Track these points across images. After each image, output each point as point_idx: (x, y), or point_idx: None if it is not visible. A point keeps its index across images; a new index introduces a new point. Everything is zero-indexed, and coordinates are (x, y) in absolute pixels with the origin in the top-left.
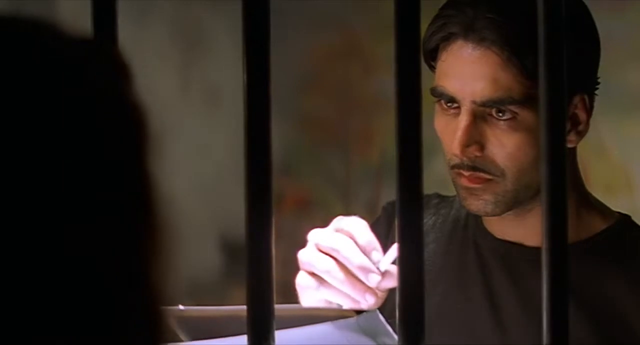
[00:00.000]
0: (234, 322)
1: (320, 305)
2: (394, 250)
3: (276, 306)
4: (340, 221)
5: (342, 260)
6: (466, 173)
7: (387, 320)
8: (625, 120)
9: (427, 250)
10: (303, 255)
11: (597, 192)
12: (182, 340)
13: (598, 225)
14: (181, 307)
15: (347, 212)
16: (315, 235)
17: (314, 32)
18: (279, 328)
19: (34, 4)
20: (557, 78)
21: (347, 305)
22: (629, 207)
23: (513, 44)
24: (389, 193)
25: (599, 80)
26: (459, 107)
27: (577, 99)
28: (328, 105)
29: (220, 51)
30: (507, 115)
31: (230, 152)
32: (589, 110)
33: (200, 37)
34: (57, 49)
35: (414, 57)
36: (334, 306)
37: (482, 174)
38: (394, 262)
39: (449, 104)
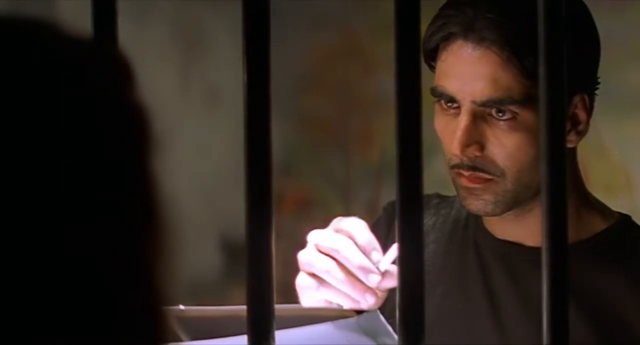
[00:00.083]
0: (235, 322)
1: (320, 305)
2: (393, 250)
3: (276, 306)
4: (339, 222)
5: (342, 261)
6: (466, 173)
7: (387, 320)
8: (625, 120)
9: (427, 251)
10: (303, 256)
11: (597, 192)
12: (182, 340)
13: (598, 225)
14: (182, 307)
15: (347, 212)
16: (314, 236)
17: (314, 32)
18: (279, 328)
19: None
20: (557, 78)
21: (347, 305)
22: (629, 207)
23: (513, 44)
24: (389, 193)
25: (599, 80)
26: (459, 107)
27: (577, 99)
28: (328, 105)
29: (220, 51)
30: (507, 115)
31: (230, 152)
32: (589, 110)
33: (200, 37)
34: (57, 49)
35: (414, 57)
36: (334, 306)
37: (482, 174)
38: (394, 262)
39: (449, 104)
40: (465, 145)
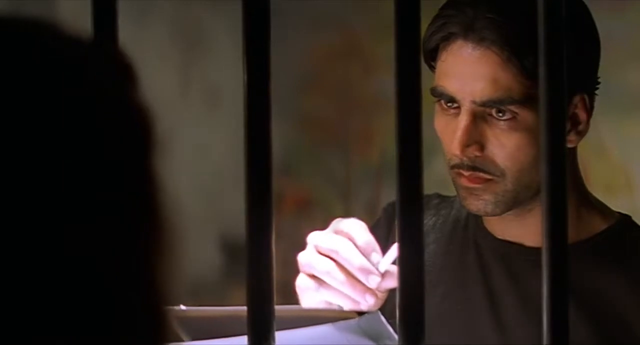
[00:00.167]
0: (235, 323)
1: (320, 306)
2: (393, 251)
3: (276, 307)
4: (338, 223)
5: (342, 262)
6: (466, 173)
7: (387, 320)
8: (625, 120)
9: (427, 251)
10: (303, 257)
11: (597, 192)
12: (183, 340)
13: (598, 225)
14: (182, 307)
15: (347, 212)
16: (314, 238)
17: (314, 32)
18: (279, 329)
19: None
20: (557, 78)
21: (347, 306)
22: (629, 207)
23: (513, 44)
24: (389, 193)
25: (599, 80)
26: (459, 107)
27: (577, 99)
28: (328, 105)
29: (220, 51)
30: (507, 115)
31: (230, 152)
32: (589, 110)
33: (200, 37)
34: (57, 49)
35: (414, 57)
36: (335, 307)
37: (482, 174)
38: (394, 262)
39: (449, 104)
40: (465, 145)
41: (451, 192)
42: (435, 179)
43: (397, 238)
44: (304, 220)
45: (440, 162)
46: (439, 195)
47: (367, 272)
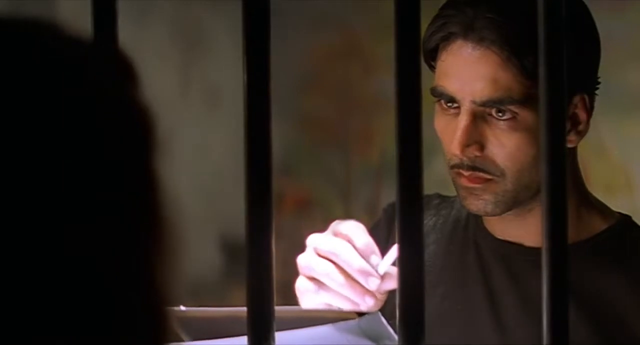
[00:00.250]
0: (235, 323)
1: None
2: (393, 252)
3: (276, 307)
4: (337, 225)
5: (341, 264)
6: (466, 173)
7: (387, 321)
8: (625, 120)
9: (427, 251)
10: (302, 260)
11: (597, 192)
12: (183, 341)
13: (598, 225)
14: (182, 307)
15: (347, 212)
16: (313, 240)
17: (314, 32)
18: (279, 329)
19: (34, 4)
20: (557, 78)
21: (346, 308)
22: (629, 207)
23: (513, 44)
24: (389, 193)
25: (599, 80)
26: (459, 107)
27: (577, 99)
28: (328, 105)
29: (220, 51)
30: (507, 115)
31: (230, 152)
32: (589, 110)
33: (200, 37)
34: (57, 49)
35: (414, 57)
36: (335, 308)
37: (481, 174)
38: (394, 263)
39: (449, 104)
40: (465, 145)
41: (451, 192)
42: (435, 179)
43: (397, 238)
44: (304, 220)
45: (440, 162)
46: (439, 196)
47: (367, 274)
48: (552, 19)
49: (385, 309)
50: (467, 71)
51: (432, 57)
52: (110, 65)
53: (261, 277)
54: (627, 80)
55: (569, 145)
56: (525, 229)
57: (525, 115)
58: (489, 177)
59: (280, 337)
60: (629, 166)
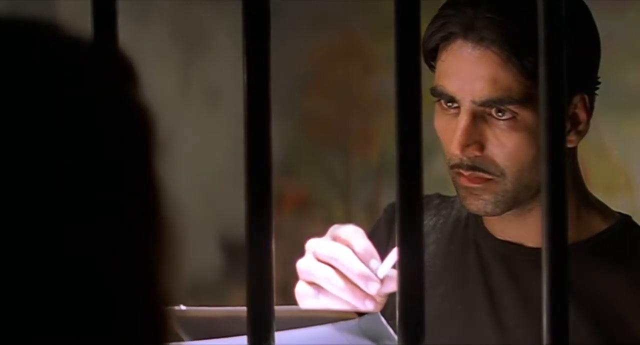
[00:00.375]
0: (235, 323)
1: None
2: (392, 256)
3: (276, 307)
4: (336, 230)
5: (341, 269)
6: (466, 173)
7: (387, 321)
8: (625, 120)
9: (427, 251)
10: (301, 265)
11: (597, 192)
12: (183, 340)
13: (598, 225)
14: (182, 307)
15: (347, 212)
16: (312, 245)
17: (314, 32)
18: (279, 329)
19: (34, 4)
20: (557, 78)
21: None
22: (629, 207)
23: (512, 44)
24: (389, 193)
25: (599, 80)
26: (458, 107)
27: (577, 99)
28: (328, 105)
29: (220, 51)
30: (507, 115)
31: (230, 152)
32: (589, 110)
33: (200, 37)
34: (57, 49)
35: (414, 57)
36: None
37: (481, 174)
38: (394, 267)
39: (448, 104)
40: (465, 145)
41: (451, 192)
42: (435, 179)
43: (397, 238)
44: (304, 220)
45: (440, 162)
46: (439, 196)
47: (367, 278)
48: (552, 19)
49: (386, 312)
50: (467, 71)
51: (432, 57)
52: (110, 66)
53: (261, 277)
54: (627, 80)
55: (569, 145)
56: (525, 229)
57: (525, 115)
58: (488, 177)
59: (280, 337)
60: (629, 166)
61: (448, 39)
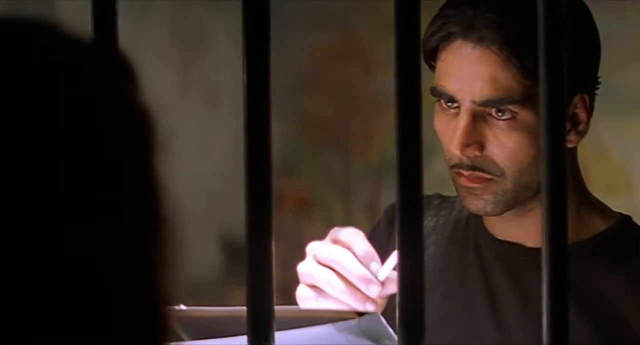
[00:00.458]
0: (235, 323)
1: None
2: (392, 259)
3: (276, 307)
4: (337, 232)
5: (342, 272)
6: (466, 172)
7: (387, 321)
8: (625, 120)
9: (428, 252)
10: (302, 268)
11: (597, 192)
12: (183, 340)
13: (598, 225)
14: (182, 307)
15: (347, 212)
16: (313, 248)
17: (314, 32)
18: (279, 329)
19: (34, 4)
20: (557, 78)
21: None
22: (629, 207)
23: (512, 44)
24: (389, 193)
25: (599, 80)
26: (458, 107)
27: (577, 99)
28: (328, 105)
29: (220, 51)
30: (507, 115)
31: (230, 152)
32: (589, 110)
33: (200, 37)
34: (57, 49)
35: (414, 57)
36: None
37: (481, 174)
38: (394, 269)
39: (448, 104)
40: (465, 145)
41: (451, 192)
42: (435, 179)
43: (397, 238)
44: (304, 220)
45: (440, 162)
46: (440, 196)
47: (367, 281)
48: (552, 19)
49: (386, 313)
50: (466, 71)
51: (432, 57)
52: (110, 66)
53: (261, 277)
54: (627, 80)
55: (569, 145)
56: (525, 229)
57: (525, 115)
58: (488, 176)
59: (280, 337)
60: (629, 166)
61: (448, 38)
